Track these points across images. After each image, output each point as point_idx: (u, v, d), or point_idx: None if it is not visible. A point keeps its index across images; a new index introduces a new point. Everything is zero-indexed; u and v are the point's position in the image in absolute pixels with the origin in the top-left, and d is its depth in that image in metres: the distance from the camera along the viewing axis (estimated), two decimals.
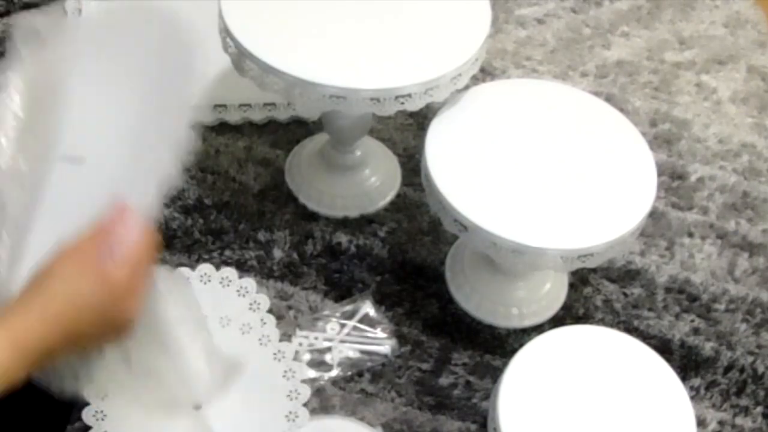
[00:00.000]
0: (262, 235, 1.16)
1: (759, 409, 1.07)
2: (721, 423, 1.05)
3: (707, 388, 1.08)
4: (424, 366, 1.06)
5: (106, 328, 0.64)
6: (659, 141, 1.33)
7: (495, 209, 0.94)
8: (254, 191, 1.21)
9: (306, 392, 1.00)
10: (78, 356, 0.66)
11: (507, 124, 1.03)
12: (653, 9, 1.55)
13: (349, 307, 1.10)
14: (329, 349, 1.06)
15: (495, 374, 1.05)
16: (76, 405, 0.97)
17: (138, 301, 0.65)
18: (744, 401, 1.07)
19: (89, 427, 0.95)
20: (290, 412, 0.98)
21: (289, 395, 1.00)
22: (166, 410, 0.79)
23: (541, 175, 0.98)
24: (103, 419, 0.95)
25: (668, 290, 1.16)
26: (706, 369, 1.09)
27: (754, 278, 1.19)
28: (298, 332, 1.07)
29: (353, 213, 1.20)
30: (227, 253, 1.13)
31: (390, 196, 1.22)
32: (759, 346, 1.12)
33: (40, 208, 0.71)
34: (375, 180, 1.22)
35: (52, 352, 0.61)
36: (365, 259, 1.15)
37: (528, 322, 1.11)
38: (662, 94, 1.41)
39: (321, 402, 1.02)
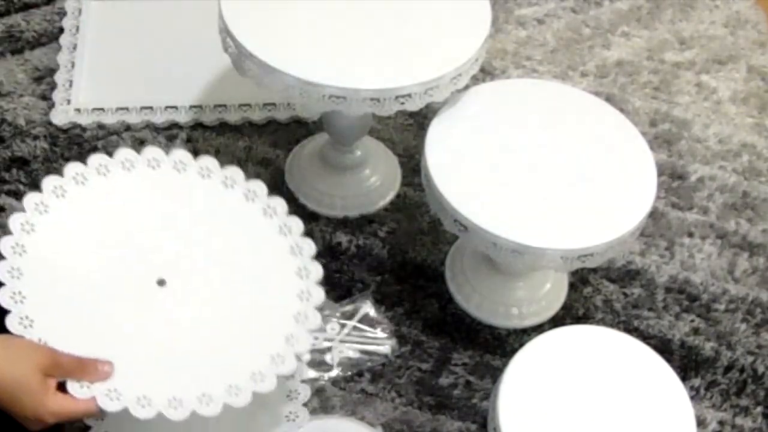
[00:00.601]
0: None
1: (759, 409, 1.07)
2: (721, 423, 1.05)
3: (707, 388, 1.08)
4: (424, 366, 1.06)
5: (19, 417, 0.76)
6: (659, 141, 1.33)
7: (495, 209, 0.94)
8: None
9: (306, 392, 1.00)
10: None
11: (507, 124, 1.03)
12: (653, 9, 1.54)
13: (349, 307, 1.10)
14: (329, 349, 1.06)
15: (495, 374, 1.05)
16: None
17: (31, 425, 0.77)
18: (744, 401, 1.07)
19: (89, 427, 0.95)
20: (290, 412, 0.98)
21: (289, 395, 1.00)
22: None
23: (541, 175, 0.98)
24: (102, 419, 0.95)
25: (668, 290, 1.16)
26: (706, 369, 1.10)
27: (754, 278, 1.19)
28: None
29: (353, 213, 1.20)
30: None
31: (390, 196, 1.22)
32: (759, 346, 1.12)
33: None
34: (375, 180, 1.22)
35: None
36: (365, 259, 1.15)
37: (528, 322, 1.11)
38: (662, 94, 1.41)
39: (321, 402, 1.02)
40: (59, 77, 1.31)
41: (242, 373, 0.83)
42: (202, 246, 0.92)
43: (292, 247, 0.94)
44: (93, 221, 0.89)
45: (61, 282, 0.84)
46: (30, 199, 0.87)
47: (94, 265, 0.87)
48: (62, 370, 0.77)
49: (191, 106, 1.28)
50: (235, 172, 0.96)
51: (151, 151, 0.95)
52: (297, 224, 0.94)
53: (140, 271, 0.88)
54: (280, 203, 0.95)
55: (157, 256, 0.89)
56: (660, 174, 1.09)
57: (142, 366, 0.82)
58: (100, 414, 0.78)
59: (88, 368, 0.78)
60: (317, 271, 0.93)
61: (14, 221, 0.85)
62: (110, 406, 0.77)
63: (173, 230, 0.92)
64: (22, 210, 0.86)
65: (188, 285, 0.88)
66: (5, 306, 0.80)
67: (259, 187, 0.96)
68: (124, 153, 0.93)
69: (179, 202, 0.94)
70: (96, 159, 0.92)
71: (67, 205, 0.89)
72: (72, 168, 0.91)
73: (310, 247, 0.94)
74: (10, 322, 0.79)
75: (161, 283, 0.88)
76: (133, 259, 0.88)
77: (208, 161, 0.96)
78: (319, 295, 0.92)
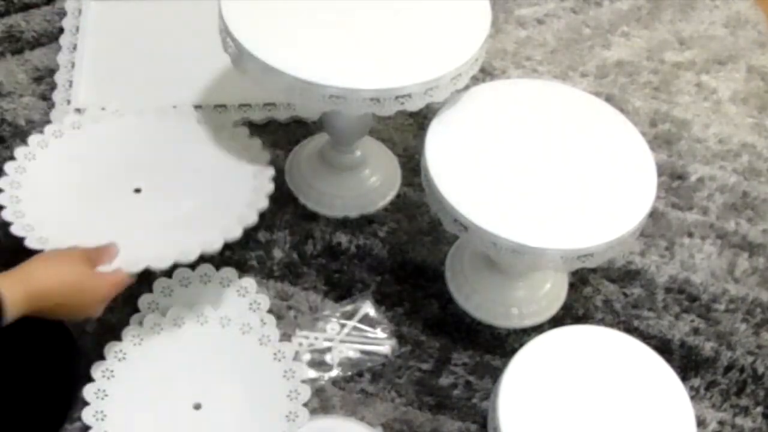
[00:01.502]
0: (262, 235, 1.16)
1: (759, 409, 1.07)
2: (721, 423, 1.05)
3: (707, 388, 1.08)
4: (424, 366, 1.06)
5: (78, 310, 0.93)
6: (659, 141, 1.33)
7: (495, 209, 0.94)
8: None
9: (306, 392, 1.00)
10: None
11: (507, 124, 1.03)
12: (653, 9, 1.55)
13: (349, 307, 1.10)
14: (329, 349, 1.06)
15: (495, 374, 1.05)
16: (75, 404, 0.97)
17: (96, 307, 0.94)
18: (744, 401, 1.07)
19: (89, 427, 0.95)
20: (290, 412, 0.98)
21: (289, 395, 1.00)
22: None
23: (541, 175, 0.98)
24: (103, 419, 0.96)
25: (668, 290, 1.16)
26: (706, 369, 1.10)
27: (754, 278, 1.19)
28: (298, 332, 1.07)
29: (353, 213, 1.20)
30: (227, 253, 1.13)
31: (390, 196, 1.22)
32: (759, 346, 1.12)
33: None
34: (375, 180, 1.22)
35: (42, 302, 0.87)
36: (365, 259, 1.15)
37: (528, 322, 1.11)
38: (662, 95, 1.41)
39: (321, 402, 1.02)
40: (59, 77, 1.30)
41: None
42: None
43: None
44: None
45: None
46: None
47: None
48: (93, 259, 0.94)
49: (191, 106, 1.28)
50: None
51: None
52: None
53: None
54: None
55: None
56: (660, 174, 1.09)
57: None
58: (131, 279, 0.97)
59: (107, 251, 0.97)
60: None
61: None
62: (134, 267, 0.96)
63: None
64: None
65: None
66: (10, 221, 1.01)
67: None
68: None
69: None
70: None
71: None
72: None
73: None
74: (28, 240, 0.98)
75: None
76: None
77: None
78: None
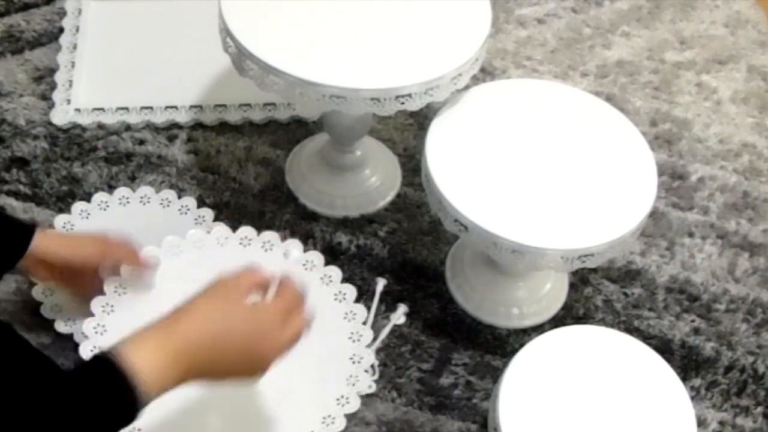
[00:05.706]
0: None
1: (760, 409, 1.07)
2: (721, 423, 1.05)
3: (708, 389, 1.08)
4: (425, 366, 1.06)
5: (245, 362, 0.72)
6: (660, 141, 1.33)
7: (495, 209, 0.94)
8: (254, 191, 1.21)
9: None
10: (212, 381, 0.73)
11: (507, 124, 1.03)
12: (653, 9, 1.54)
13: None
14: None
15: (495, 374, 1.04)
16: None
17: (281, 349, 0.74)
18: (744, 401, 1.07)
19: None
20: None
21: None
22: None
23: (542, 175, 0.98)
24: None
25: (669, 290, 1.16)
26: (706, 369, 1.09)
27: (754, 278, 1.19)
28: None
29: (353, 213, 1.20)
30: None
31: (390, 196, 1.22)
32: (759, 346, 1.12)
33: None
34: (375, 180, 1.22)
35: (198, 367, 0.68)
36: (365, 260, 1.15)
37: (528, 322, 1.11)
38: (662, 94, 1.41)
39: None
40: (59, 77, 1.30)
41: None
42: None
43: (346, 314, 1.05)
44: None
45: None
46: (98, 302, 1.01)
47: None
48: (264, 289, 0.77)
49: (191, 106, 1.28)
50: (294, 244, 1.10)
51: (221, 230, 1.10)
52: (351, 291, 1.07)
53: None
54: (335, 271, 1.08)
55: None
56: (660, 174, 1.09)
57: None
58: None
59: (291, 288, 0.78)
60: (368, 335, 1.04)
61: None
62: None
63: None
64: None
65: None
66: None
67: (317, 257, 1.09)
68: (196, 234, 1.09)
69: None
70: (170, 241, 1.07)
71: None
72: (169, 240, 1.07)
73: (361, 312, 1.05)
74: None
75: None
76: None
77: (271, 236, 1.09)
78: (369, 358, 1.02)
